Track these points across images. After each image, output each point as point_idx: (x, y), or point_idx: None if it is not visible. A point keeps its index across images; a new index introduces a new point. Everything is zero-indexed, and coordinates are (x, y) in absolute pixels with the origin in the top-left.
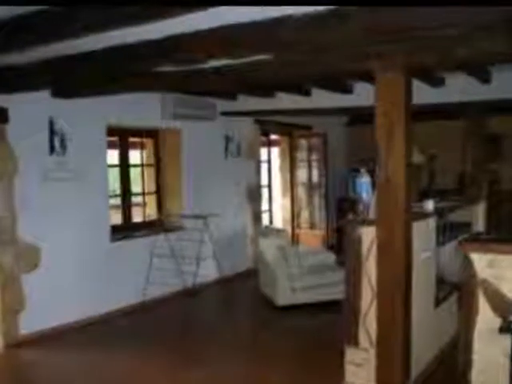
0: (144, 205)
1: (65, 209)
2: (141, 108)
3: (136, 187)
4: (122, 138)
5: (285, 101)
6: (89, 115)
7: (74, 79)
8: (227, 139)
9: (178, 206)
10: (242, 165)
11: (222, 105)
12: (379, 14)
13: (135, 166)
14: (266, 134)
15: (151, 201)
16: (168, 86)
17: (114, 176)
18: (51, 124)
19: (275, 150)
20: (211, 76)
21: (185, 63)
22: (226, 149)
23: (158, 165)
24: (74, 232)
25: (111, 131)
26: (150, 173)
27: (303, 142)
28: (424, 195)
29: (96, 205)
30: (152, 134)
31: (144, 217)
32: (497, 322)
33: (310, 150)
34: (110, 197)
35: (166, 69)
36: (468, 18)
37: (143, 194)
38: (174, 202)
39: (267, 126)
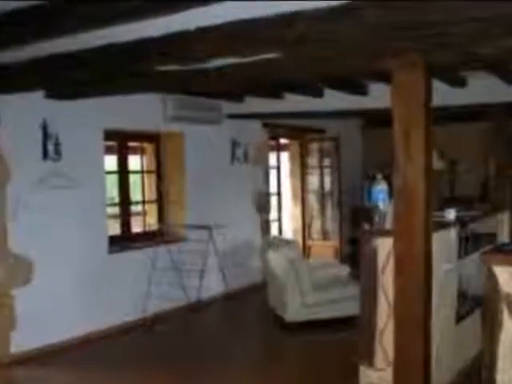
0: (144, 214)
1: (59, 219)
2: (140, 110)
3: (136, 195)
4: (120, 142)
5: (295, 102)
6: (85, 118)
7: (68, 79)
8: (233, 144)
9: (180, 216)
10: (249, 171)
11: (228, 107)
12: (395, 8)
13: (135, 172)
14: (274, 138)
15: (152, 210)
16: (169, 86)
17: (111, 183)
18: (45, 127)
19: (285, 155)
20: (215, 76)
21: (187, 62)
22: (233, 154)
23: (159, 171)
24: (69, 243)
25: (109, 135)
26: (150, 180)
27: (315, 147)
28: (445, 203)
29: (93, 214)
30: (152, 138)
31: (144, 227)
32: None
33: (322, 155)
34: (108, 205)
35: (167, 68)
36: (491, 13)
37: (143, 202)
38: (176, 211)
39: (276, 129)
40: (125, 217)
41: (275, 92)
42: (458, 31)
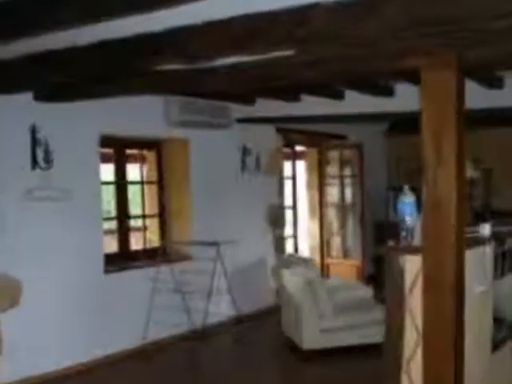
0: (144, 229)
1: (49, 234)
2: (140, 114)
3: (135, 208)
4: (117, 149)
5: (313, 105)
6: (79, 123)
7: (60, 79)
8: (244, 151)
9: (184, 231)
10: (261, 182)
11: (238, 110)
12: (425, 1)
13: (134, 183)
14: (289, 144)
15: (153, 225)
16: (173, 87)
17: (108, 195)
18: (33, 132)
19: (301, 164)
20: (224, 76)
21: (192, 60)
22: (243, 163)
23: (161, 182)
24: (60, 262)
25: (105, 142)
26: (151, 191)
27: (335, 155)
28: (479, 217)
29: (87, 229)
30: (154, 145)
31: (144, 244)
32: None
33: (342, 163)
34: (104, 220)
35: (169, 67)
36: None
37: (143, 216)
38: (180, 226)
39: (291, 135)
40: (123, 232)
41: (290, 93)
42: (496, 27)
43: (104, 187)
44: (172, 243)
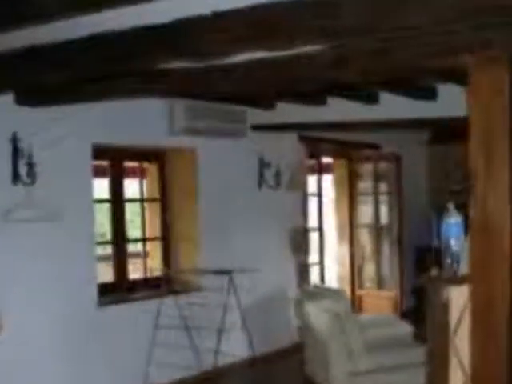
0: (145, 255)
1: (33, 261)
2: (140, 120)
3: (134, 231)
4: (114, 161)
5: (342, 110)
6: (68, 131)
7: (45, 80)
8: (261, 164)
9: (192, 258)
10: (282, 200)
11: (255, 115)
12: None
13: (132, 200)
14: (315, 156)
15: (155, 250)
16: (178, 88)
17: (102, 215)
18: (15, 142)
19: (328, 179)
20: (238, 75)
21: (201, 58)
22: (260, 177)
23: (164, 200)
24: (45, 294)
25: (99, 152)
26: (153, 211)
27: (368, 168)
28: None
29: (77, 255)
30: (156, 156)
31: (145, 272)
32: None
33: (376, 178)
34: (98, 244)
35: (174, 65)
36: None
37: (144, 240)
38: (186, 251)
39: (317, 144)
40: (120, 259)
41: (316, 96)
42: None
43: (97, 206)
44: (177, 271)
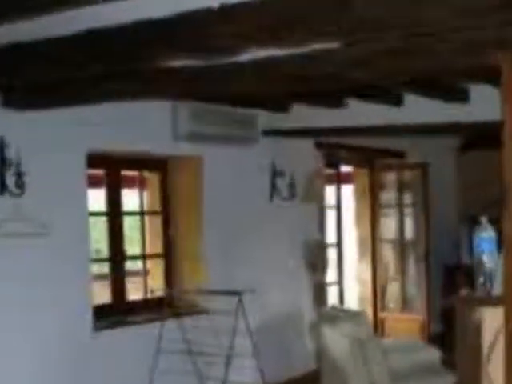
0: (145, 274)
1: (21, 280)
2: (140, 125)
3: (133, 247)
4: (110, 171)
5: (362, 113)
6: (60, 136)
7: (35, 81)
8: (274, 173)
9: (197, 277)
10: (296, 212)
11: (267, 119)
12: None
13: (131, 213)
14: (333, 164)
15: (156, 268)
16: (181, 90)
17: (98, 230)
18: (2, 149)
19: (348, 190)
20: (249, 75)
21: (209, 54)
22: (273, 188)
23: (166, 212)
24: (35, 316)
25: (94, 161)
26: (154, 225)
27: (391, 177)
28: None
29: (70, 274)
30: (158, 164)
31: (145, 292)
32: None
33: (401, 188)
34: (93, 261)
35: (180, 63)
36: None
37: (144, 257)
38: (191, 269)
39: (336, 152)
40: (117, 278)
41: (334, 98)
42: None
43: (93, 219)
44: (181, 292)
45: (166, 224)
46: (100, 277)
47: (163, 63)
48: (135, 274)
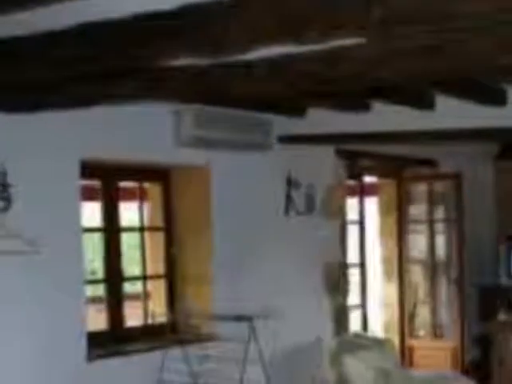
0: (146, 297)
1: (8, 304)
2: (140, 130)
3: (132, 267)
4: (107, 181)
5: (389, 117)
6: (50, 143)
7: (21, 81)
8: (290, 184)
9: (203, 300)
10: (314, 228)
11: (282, 125)
12: None
13: (130, 229)
14: (356, 174)
15: (158, 290)
16: (186, 91)
17: (93, 247)
18: None
19: (373, 203)
20: (263, 74)
21: (217, 52)
22: (288, 200)
23: (169, 228)
24: (23, 344)
25: (89, 170)
26: (155, 242)
27: (421, 189)
28: None
29: (62, 297)
30: (159, 174)
31: (145, 318)
32: None
33: (432, 202)
34: (88, 283)
35: (184, 61)
36: None
37: (144, 278)
38: (196, 292)
39: (359, 160)
40: (114, 302)
41: (357, 100)
42: None
43: (87, 236)
44: (185, 317)
45: (169, 241)
46: (95, 300)
47: (166, 61)
48: (134, 297)
